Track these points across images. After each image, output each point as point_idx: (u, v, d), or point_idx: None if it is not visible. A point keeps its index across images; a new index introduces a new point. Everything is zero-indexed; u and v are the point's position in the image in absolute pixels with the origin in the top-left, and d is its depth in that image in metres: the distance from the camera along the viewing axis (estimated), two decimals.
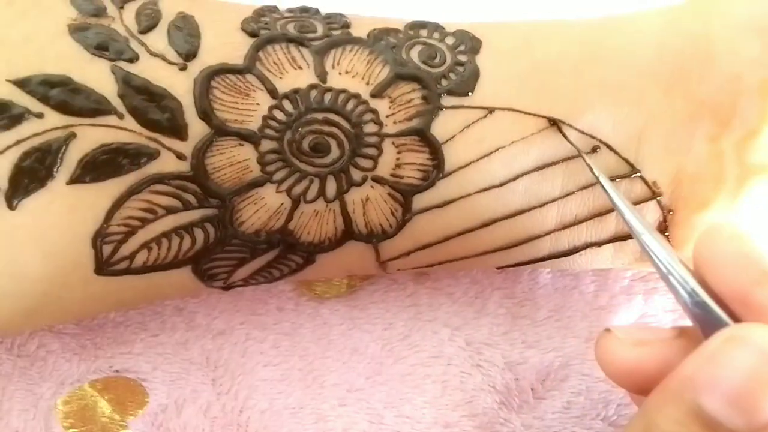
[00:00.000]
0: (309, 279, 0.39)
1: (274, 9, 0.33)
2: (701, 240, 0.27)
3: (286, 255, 0.32)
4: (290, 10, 0.33)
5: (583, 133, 0.31)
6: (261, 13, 0.32)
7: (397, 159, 0.30)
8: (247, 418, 0.38)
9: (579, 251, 0.33)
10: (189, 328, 0.39)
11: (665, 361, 0.27)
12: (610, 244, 0.33)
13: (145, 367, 0.38)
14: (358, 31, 0.32)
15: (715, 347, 0.24)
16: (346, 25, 0.32)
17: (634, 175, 0.31)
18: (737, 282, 0.26)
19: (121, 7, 0.31)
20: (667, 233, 0.32)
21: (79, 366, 0.38)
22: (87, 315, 0.37)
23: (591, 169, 0.30)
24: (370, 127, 0.30)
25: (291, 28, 0.31)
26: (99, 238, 0.29)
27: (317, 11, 0.33)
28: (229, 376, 0.38)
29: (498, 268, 0.36)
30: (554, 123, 0.31)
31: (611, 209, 0.32)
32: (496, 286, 0.40)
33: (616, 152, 0.31)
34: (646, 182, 0.31)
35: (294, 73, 0.30)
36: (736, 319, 0.26)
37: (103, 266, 0.30)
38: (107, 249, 0.30)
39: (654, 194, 0.31)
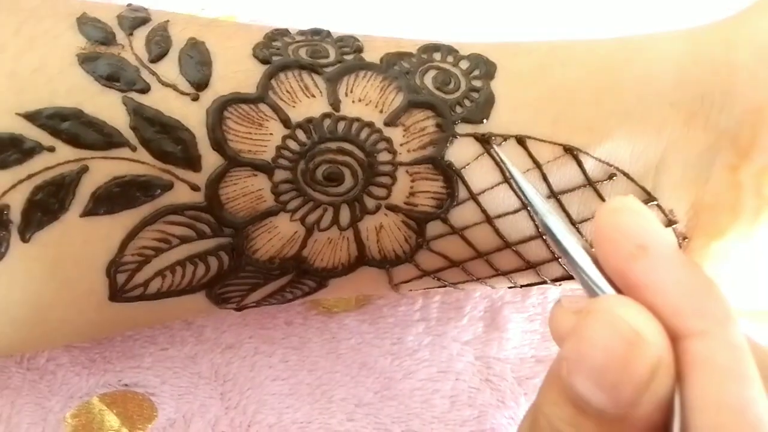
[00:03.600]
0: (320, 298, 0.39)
1: (285, 32, 0.32)
2: (595, 216, 0.25)
3: (299, 279, 0.32)
4: (301, 33, 0.33)
5: (600, 161, 0.31)
6: (272, 37, 0.31)
7: (411, 187, 0.30)
8: None
9: None
10: (198, 342, 0.39)
11: None
12: None
13: (154, 381, 0.38)
14: (371, 55, 0.32)
15: (579, 324, 0.23)
16: (359, 49, 0.32)
17: (651, 203, 0.31)
18: (614, 258, 0.24)
19: (131, 34, 0.30)
20: None
21: (88, 380, 0.38)
22: (101, 337, 0.38)
23: (495, 157, 0.30)
24: (383, 156, 0.30)
25: (303, 53, 0.31)
26: (113, 267, 0.29)
27: (329, 33, 0.33)
28: (238, 390, 0.38)
29: (509, 287, 0.36)
30: (570, 151, 0.30)
31: None
32: (506, 301, 0.40)
33: (633, 180, 0.31)
34: (662, 210, 0.31)
35: (307, 102, 0.30)
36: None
37: (117, 294, 0.30)
38: (121, 277, 0.30)
39: (670, 222, 0.31)
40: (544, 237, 0.31)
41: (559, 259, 0.27)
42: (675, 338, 0.23)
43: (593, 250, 0.25)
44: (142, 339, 0.39)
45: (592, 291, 0.25)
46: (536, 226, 0.31)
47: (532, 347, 0.39)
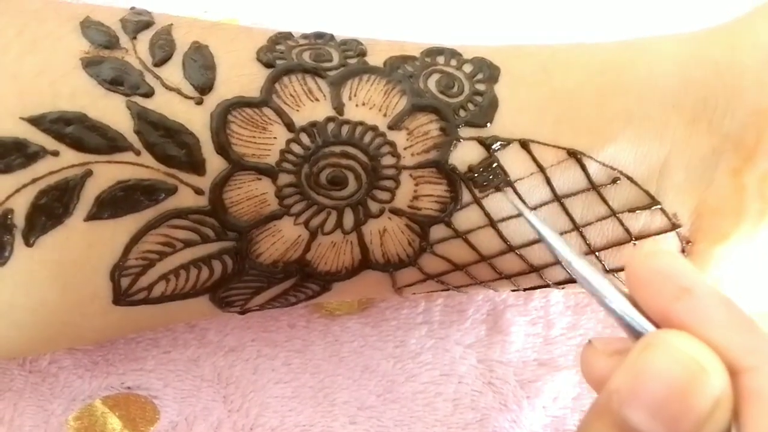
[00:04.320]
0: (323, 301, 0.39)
1: (288, 36, 0.32)
2: (627, 261, 0.26)
3: (302, 283, 0.32)
4: (305, 36, 0.33)
5: (603, 165, 0.31)
6: (276, 40, 0.31)
7: (415, 191, 0.30)
8: None
9: None
10: (200, 345, 0.39)
11: None
12: None
13: (157, 384, 0.38)
14: (374, 58, 0.32)
15: (634, 357, 0.23)
16: (362, 53, 0.32)
17: (655, 207, 0.31)
18: (659, 299, 0.25)
19: (134, 38, 0.30)
20: None
21: (90, 382, 0.38)
22: (105, 340, 0.38)
23: (514, 203, 0.30)
24: (387, 160, 0.30)
25: (306, 57, 0.31)
26: (117, 271, 0.29)
27: (332, 37, 0.33)
28: (240, 393, 0.39)
29: (512, 290, 0.36)
30: (574, 155, 0.30)
31: (628, 239, 0.32)
32: (509, 304, 0.40)
33: (637, 184, 0.31)
34: (666, 214, 0.31)
35: (311, 105, 0.30)
36: None
37: (121, 297, 0.30)
38: (125, 281, 0.30)
39: (674, 226, 0.31)
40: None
41: (594, 298, 0.27)
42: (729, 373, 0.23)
43: (627, 292, 0.26)
44: (145, 342, 0.39)
45: (636, 331, 0.25)
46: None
47: (535, 350, 0.39)
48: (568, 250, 0.27)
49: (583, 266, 0.26)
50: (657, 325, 0.25)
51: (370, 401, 0.39)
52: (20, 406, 0.38)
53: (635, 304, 0.25)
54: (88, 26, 0.30)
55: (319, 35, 0.33)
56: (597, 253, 0.32)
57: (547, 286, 0.34)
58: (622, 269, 0.33)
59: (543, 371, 0.39)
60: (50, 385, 0.38)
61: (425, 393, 0.39)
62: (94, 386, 0.38)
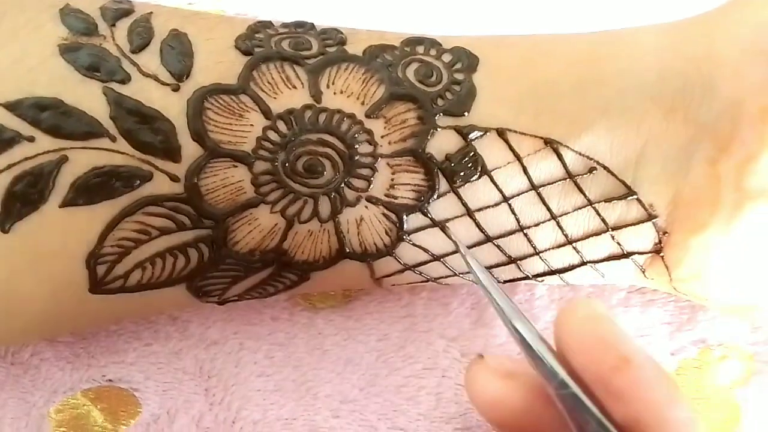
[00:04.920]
0: (304, 292, 0.38)
1: (268, 24, 0.32)
2: (559, 320, 0.26)
3: (280, 273, 0.32)
4: (285, 25, 0.33)
5: (580, 154, 0.31)
6: (255, 29, 0.32)
7: (392, 179, 0.30)
8: (239, 428, 0.38)
9: (574, 269, 0.33)
10: (182, 337, 0.39)
11: (529, 403, 0.27)
12: (637, 261, 0.33)
13: (138, 377, 0.38)
14: (354, 47, 0.32)
15: None
16: (342, 42, 0.32)
17: (631, 197, 0.31)
18: (596, 367, 0.25)
19: (113, 25, 0.30)
20: (661, 254, 0.32)
21: (72, 375, 0.38)
22: (82, 330, 0.37)
23: (466, 262, 0.30)
24: (364, 148, 0.30)
25: (285, 46, 0.31)
26: (93, 259, 0.29)
27: (312, 26, 0.33)
28: (222, 386, 0.38)
29: None
30: (550, 144, 0.30)
31: (605, 230, 0.32)
32: None
33: (613, 174, 0.31)
34: (642, 204, 0.31)
35: (288, 93, 0.30)
36: (600, 405, 0.25)
37: (97, 286, 0.30)
38: (101, 269, 0.29)
39: (650, 216, 0.31)
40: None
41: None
42: None
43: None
44: (126, 334, 0.39)
45: (569, 403, 0.25)
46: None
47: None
48: (512, 310, 0.27)
49: (526, 331, 0.27)
50: (592, 395, 0.25)
51: (353, 395, 0.38)
52: (1, 398, 0.38)
53: (567, 368, 0.26)
54: (68, 13, 0.30)
55: (300, 24, 0.33)
56: (574, 244, 0.32)
57: (527, 278, 0.34)
58: (599, 260, 0.33)
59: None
60: (32, 377, 0.38)
61: (408, 386, 0.38)
62: (75, 379, 0.38)
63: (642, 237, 0.32)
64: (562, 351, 0.26)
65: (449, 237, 0.31)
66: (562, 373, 0.25)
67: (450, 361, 0.39)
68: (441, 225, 0.31)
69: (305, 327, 0.39)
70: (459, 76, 0.31)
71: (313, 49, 0.31)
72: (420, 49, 0.32)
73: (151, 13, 0.31)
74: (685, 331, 0.39)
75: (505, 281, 0.34)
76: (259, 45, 0.31)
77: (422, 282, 0.34)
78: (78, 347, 0.38)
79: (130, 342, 0.39)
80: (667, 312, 0.39)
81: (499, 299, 0.28)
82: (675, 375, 0.39)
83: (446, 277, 0.34)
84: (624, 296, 0.39)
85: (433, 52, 0.32)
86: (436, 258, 0.32)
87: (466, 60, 0.32)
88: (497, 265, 0.33)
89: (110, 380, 0.38)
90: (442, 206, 0.31)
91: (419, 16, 0.44)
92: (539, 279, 0.34)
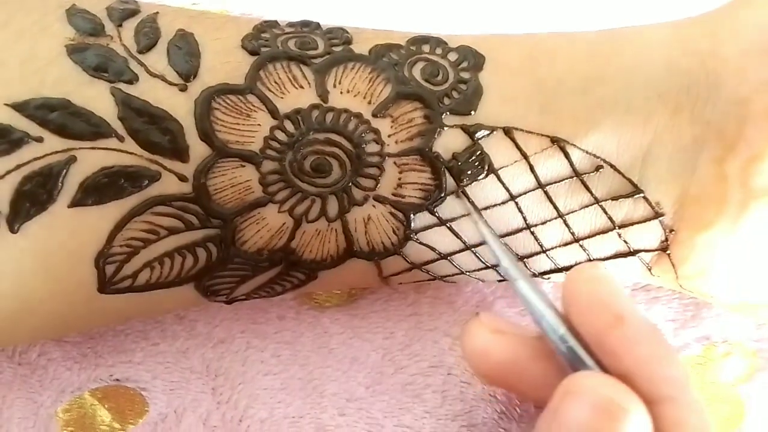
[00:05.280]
0: (310, 291, 0.39)
1: (274, 24, 0.32)
2: (565, 283, 0.28)
3: (288, 272, 0.32)
4: (291, 25, 0.33)
5: (587, 152, 0.31)
6: (261, 28, 0.32)
7: (399, 178, 0.30)
8: (246, 427, 0.38)
9: None
10: (189, 336, 0.39)
11: (514, 355, 0.28)
12: (644, 259, 0.33)
13: (145, 376, 0.38)
14: (360, 47, 0.32)
15: (555, 403, 0.25)
16: (348, 41, 0.32)
17: (638, 195, 0.31)
18: (594, 326, 0.26)
19: (120, 25, 0.30)
20: (668, 252, 0.32)
21: (79, 374, 0.38)
22: (90, 329, 0.38)
23: (470, 215, 0.31)
24: (371, 147, 0.30)
25: (292, 45, 0.31)
26: (101, 258, 0.29)
27: (318, 26, 0.33)
28: (229, 385, 0.38)
29: (499, 280, 0.36)
30: (557, 142, 0.30)
31: (612, 228, 0.32)
32: (498, 295, 0.40)
33: (620, 172, 0.31)
34: (649, 203, 0.31)
35: (295, 93, 0.30)
36: (600, 362, 0.26)
37: (106, 285, 0.30)
38: (110, 269, 0.30)
39: (657, 215, 0.31)
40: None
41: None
42: (649, 402, 0.25)
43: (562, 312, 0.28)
44: (134, 333, 0.39)
45: (572, 361, 0.27)
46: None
47: None
48: (516, 271, 0.29)
49: (528, 290, 0.28)
50: (593, 353, 0.26)
51: (359, 393, 0.38)
52: (9, 398, 0.38)
53: (572, 329, 0.27)
54: (74, 14, 0.30)
55: (305, 23, 0.33)
56: (581, 242, 0.32)
57: (533, 276, 0.34)
58: (606, 258, 0.33)
59: None
60: (39, 377, 0.38)
61: (414, 384, 0.39)
62: (83, 378, 0.38)
63: (649, 235, 0.32)
64: (566, 313, 0.27)
65: (465, 197, 0.31)
66: (562, 329, 0.27)
67: (455, 359, 0.39)
68: (460, 190, 0.31)
69: (311, 326, 0.39)
70: (465, 75, 0.31)
71: (319, 49, 0.31)
72: (426, 48, 0.32)
73: (158, 13, 0.31)
74: (690, 328, 0.39)
75: None
76: (266, 45, 0.31)
77: (429, 280, 0.34)
78: (85, 347, 0.38)
79: (138, 341, 0.39)
80: (672, 309, 0.39)
81: (509, 264, 0.29)
82: None
83: (453, 275, 0.34)
84: (628, 293, 0.39)
85: (439, 51, 0.32)
86: (443, 256, 0.32)
87: (472, 59, 0.32)
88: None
89: (117, 380, 0.38)
90: (450, 204, 0.31)
91: (424, 15, 0.44)
92: (545, 277, 0.34)
